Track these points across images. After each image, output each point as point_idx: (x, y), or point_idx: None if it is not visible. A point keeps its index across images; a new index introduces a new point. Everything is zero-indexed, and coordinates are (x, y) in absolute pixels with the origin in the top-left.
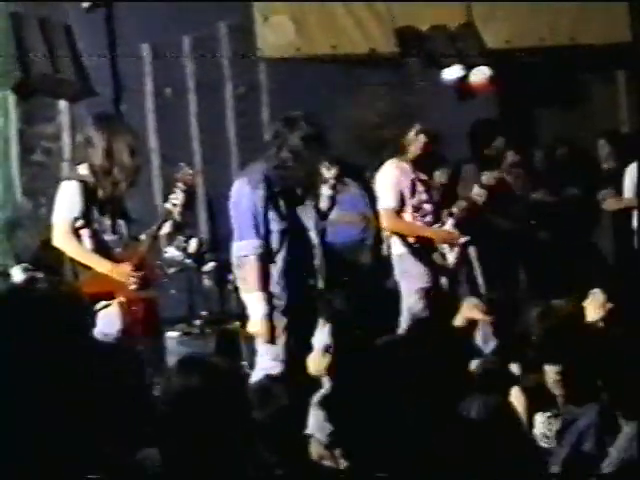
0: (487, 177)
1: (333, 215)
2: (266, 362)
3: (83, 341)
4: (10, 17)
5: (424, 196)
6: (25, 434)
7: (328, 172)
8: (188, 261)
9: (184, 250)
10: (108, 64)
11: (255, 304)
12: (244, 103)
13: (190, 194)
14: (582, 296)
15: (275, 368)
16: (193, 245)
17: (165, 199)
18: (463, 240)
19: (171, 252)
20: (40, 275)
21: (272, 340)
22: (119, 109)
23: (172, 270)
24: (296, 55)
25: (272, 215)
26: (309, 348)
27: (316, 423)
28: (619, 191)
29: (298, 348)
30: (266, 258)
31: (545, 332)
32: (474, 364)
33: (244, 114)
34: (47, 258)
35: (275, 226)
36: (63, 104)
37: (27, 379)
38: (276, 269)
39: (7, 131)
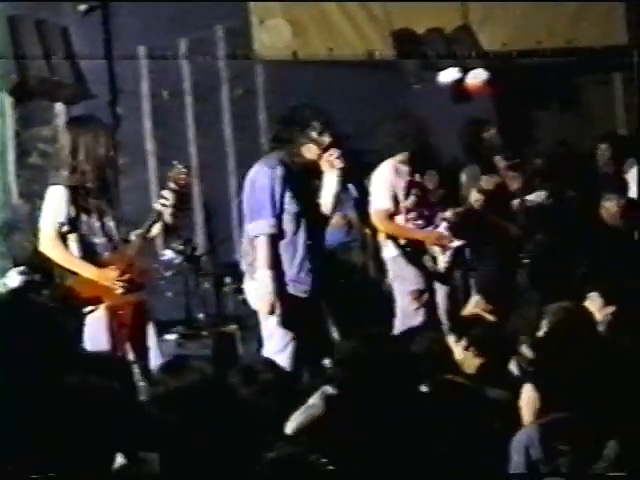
0: (486, 181)
1: None
2: (272, 350)
3: (74, 347)
4: (7, 20)
5: (418, 198)
6: (17, 440)
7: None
8: (185, 263)
9: (181, 252)
10: (105, 67)
11: (263, 281)
12: (241, 106)
13: (182, 194)
14: (580, 299)
15: (282, 357)
16: (190, 247)
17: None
18: (456, 244)
19: (168, 255)
20: (37, 278)
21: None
22: (116, 111)
23: (169, 273)
24: (293, 58)
25: (288, 196)
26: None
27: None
28: (620, 194)
29: (312, 339)
30: (277, 240)
31: (553, 332)
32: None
33: (241, 117)
34: (42, 261)
35: (291, 208)
36: (60, 107)
37: (19, 383)
38: (297, 255)
39: (4, 134)
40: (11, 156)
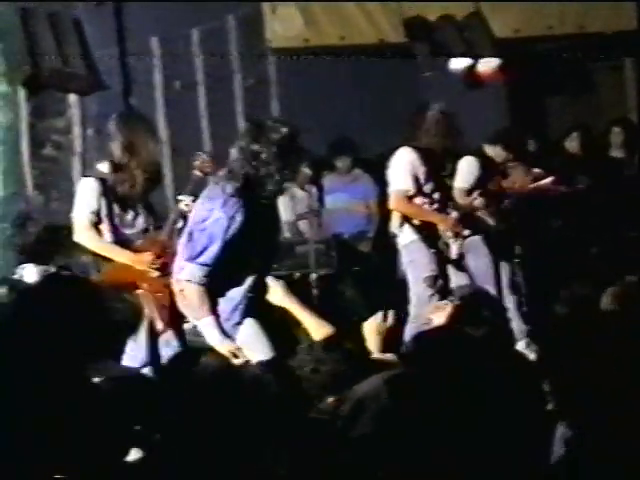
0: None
1: (344, 204)
2: None
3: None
4: (19, 12)
5: (435, 185)
6: (34, 429)
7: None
8: None
9: None
10: (117, 57)
11: (209, 331)
12: (253, 95)
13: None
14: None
15: None
16: None
17: (176, 191)
18: (467, 233)
19: None
20: (52, 270)
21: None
22: (129, 102)
23: None
24: (305, 46)
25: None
26: None
27: None
28: (632, 179)
29: None
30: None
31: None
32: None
33: (253, 106)
34: (56, 252)
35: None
36: (73, 98)
37: (42, 374)
38: (232, 302)
39: (18, 126)
40: (25, 148)
